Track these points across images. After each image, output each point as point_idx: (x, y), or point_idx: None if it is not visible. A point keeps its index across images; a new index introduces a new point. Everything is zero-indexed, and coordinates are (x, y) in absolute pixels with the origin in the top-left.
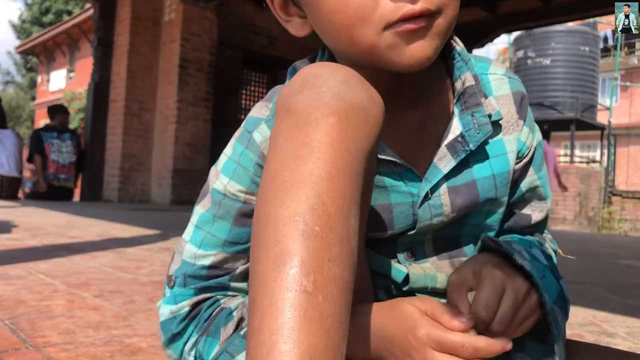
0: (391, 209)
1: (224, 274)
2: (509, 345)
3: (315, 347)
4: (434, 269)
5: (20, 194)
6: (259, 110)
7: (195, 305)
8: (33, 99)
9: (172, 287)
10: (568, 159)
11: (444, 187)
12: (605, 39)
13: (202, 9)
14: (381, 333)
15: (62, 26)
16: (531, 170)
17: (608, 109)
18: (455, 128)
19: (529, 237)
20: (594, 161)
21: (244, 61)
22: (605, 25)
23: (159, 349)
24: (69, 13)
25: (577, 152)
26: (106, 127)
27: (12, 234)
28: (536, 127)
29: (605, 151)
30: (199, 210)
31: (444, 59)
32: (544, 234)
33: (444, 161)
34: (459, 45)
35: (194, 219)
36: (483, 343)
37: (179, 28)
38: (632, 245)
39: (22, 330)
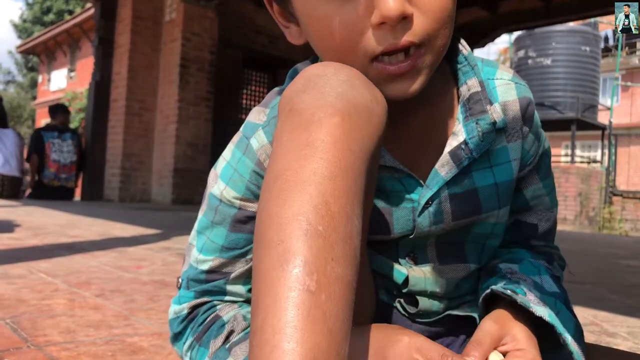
0: (391, 213)
1: (220, 277)
2: None
3: (318, 346)
4: (434, 273)
5: (29, 187)
6: (257, 116)
7: (193, 308)
8: (34, 98)
9: (179, 288)
10: (569, 159)
11: (445, 195)
12: (606, 39)
13: (203, 9)
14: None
15: (63, 25)
16: (536, 178)
17: (609, 109)
18: (459, 134)
19: (537, 261)
20: (594, 161)
21: (244, 60)
22: (606, 25)
23: (160, 348)
24: (70, 12)
25: (577, 152)
26: (107, 127)
27: (13, 234)
28: (543, 134)
29: (606, 151)
30: (199, 215)
31: (449, 62)
32: (553, 250)
33: (445, 168)
34: (465, 48)
35: (196, 224)
36: None
37: (179, 27)
38: (632, 245)
39: (24, 329)
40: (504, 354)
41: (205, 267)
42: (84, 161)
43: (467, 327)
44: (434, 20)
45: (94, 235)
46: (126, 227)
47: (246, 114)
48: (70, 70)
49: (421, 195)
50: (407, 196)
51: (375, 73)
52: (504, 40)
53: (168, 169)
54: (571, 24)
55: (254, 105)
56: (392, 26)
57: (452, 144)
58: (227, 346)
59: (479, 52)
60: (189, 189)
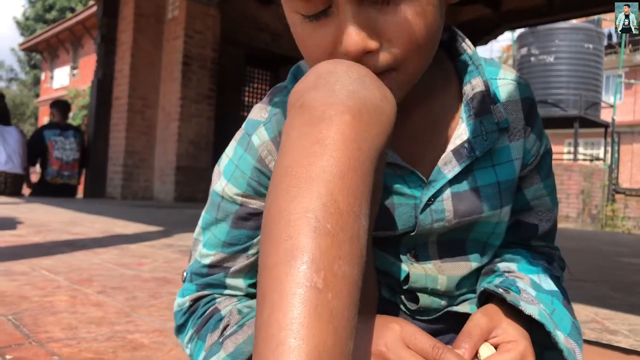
0: (394, 209)
1: (221, 271)
2: None
3: (324, 343)
4: (435, 271)
5: (25, 189)
6: (258, 113)
7: (195, 301)
8: (37, 96)
9: (184, 282)
10: (572, 156)
11: (447, 193)
12: (610, 36)
13: (205, 6)
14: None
15: (66, 23)
16: (537, 178)
17: (612, 106)
18: (462, 133)
19: (537, 261)
20: (597, 159)
21: (247, 58)
22: (610, 23)
23: (161, 345)
24: (72, 10)
25: (580, 149)
26: (109, 124)
27: (16, 230)
28: (545, 134)
29: (609, 149)
30: (203, 212)
31: (453, 61)
32: (553, 251)
33: (448, 166)
34: (470, 48)
35: (200, 220)
36: None
37: (182, 25)
38: (635, 243)
39: (25, 326)
40: (495, 347)
41: (207, 261)
42: (87, 159)
43: None
44: (402, 49)
45: (96, 233)
46: (128, 224)
47: (248, 112)
48: (73, 68)
49: (423, 192)
50: (410, 193)
51: None
52: (507, 38)
53: (170, 167)
54: (574, 21)
55: (256, 103)
56: (356, 58)
57: (455, 142)
58: (220, 340)
59: (481, 50)
60: (191, 187)
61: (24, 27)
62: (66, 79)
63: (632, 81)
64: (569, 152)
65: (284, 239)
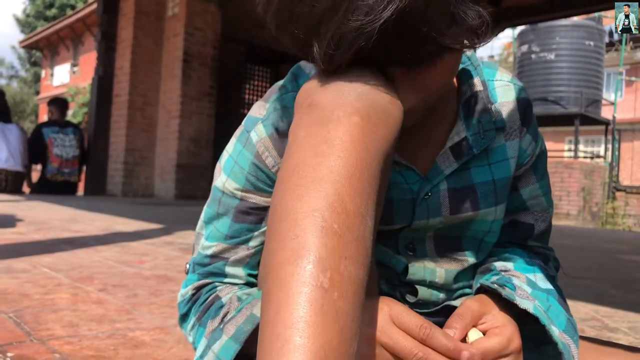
0: (392, 204)
1: (221, 261)
2: None
3: (329, 343)
4: (433, 264)
5: (25, 188)
6: (257, 110)
7: (197, 290)
8: (37, 93)
9: (187, 273)
10: (572, 154)
11: (444, 189)
12: (610, 34)
13: (206, 3)
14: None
15: (66, 20)
16: (533, 178)
17: (613, 103)
18: (460, 131)
19: (533, 261)
20: (598, 156)
21: (247, 55)
22: (610, 20)
23: (161, 342)
24: (73, 7)
25: (581, 147)
26: (110, 122)
27: (16, 228)
28: (540, 135)
29: (610, 146)
30: (205, 207)
31: None
32: (548, 251)
33: (446, 163)
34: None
35: (202, 215)
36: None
37: (182, 22)
38: (635, 241)
39: (27, 323)
40: (483, 333)
41: (209, 252)
42: (86, 156)
43: None
44: (437, 94)
45: (96, 230)
46: (129, 222)
47: (249, 109)
48: (73, 65)
49: (420, 187)
50: (407, 188)
51: None
52: (508, 35)
53: (171, 164)
54: (575, 19)
55: (257, 100)
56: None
57: (453, 139)
58: (221, 326)
59: (482, 47)
60: (192, 184)
61: (25, 24)
62: (66, 76)
63: (633, 78)
64: (569, 150)
65: (291, 238)
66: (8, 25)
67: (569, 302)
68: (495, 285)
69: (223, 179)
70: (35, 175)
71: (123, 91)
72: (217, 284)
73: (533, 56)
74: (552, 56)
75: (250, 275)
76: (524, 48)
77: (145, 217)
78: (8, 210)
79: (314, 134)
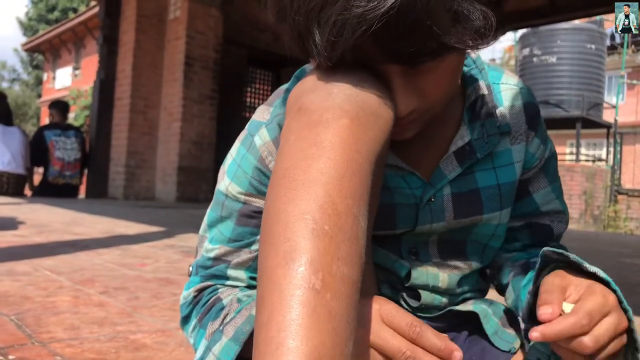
0: (394, 208)
1: (224, 263)
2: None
3: (322, 344)
4: (436, 269)
5: (26, 191)
6: (261, 114)
7: (199, 292)
8: (39, 96)
9: (190, 276)
10: (574, 157)
11: (447, 193)
12: (612, 37)
13: (207, 7)
14: None
15: (68, 24)
16: (545, 181)
17: (614, 107)
18: (464, 135)
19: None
20: (599, 159)
21: (249, 58)
22: (612, 23)
23: (163, 345)
24: (75, 10)
25: (583, 150)
26: (111, 125)
27: (18, 231)
28: (549, 139)
29: (612, 149)
30: (208, 210)
31: None
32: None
33: (449, 167)
34: (474, 52)
35: (205, 218)
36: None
37: (184, 25)
38: (637, 244)
39: (28, 326)
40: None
41: (212, 254)
42: (88, 159)
43: (470, 324)
44: (439, 100)
45: (98, 233)
46: (130, 224)
47: (250, 112)
48: (75, 68)
49: (424, 192)
50: (410, 193)
51: None
52: (509, 38)
53: (172, 167)
54: (576, 22)
55: (259, 103)
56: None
57: (457, 143)
58: (221, 328)
59: (483, 50)
60: (193, 187)
61: (27, 27)
62: (68, 80)
63: (635, 82)
64: (571, 153)
65: (282, 241)
66: (11, 28)
67: None
68: (560, 250)
69: (226, 183)
70: (37, 178)
71: (125, 94)
72: (218, 286)
73: (535, 59)
74: (553, 59)
75: (252, 278)
76: (526, 51)
77: (146, 220)
78: (10, 213)
79: (303, 137)
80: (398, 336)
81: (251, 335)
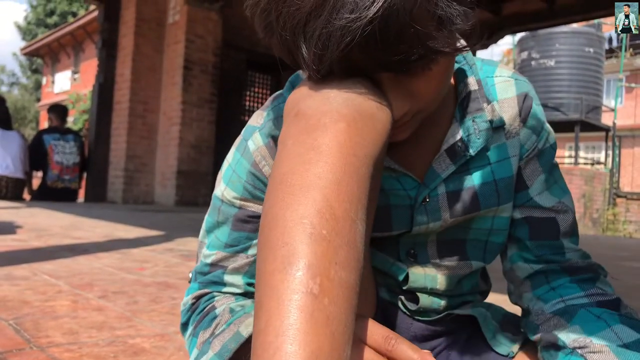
0: (390, 211)
1: (221, 269)
2: None
3: (320, 349)
4: (434, 270)
5: (25, 195)
6: (256, 119)
7: (196, 299)
8: (38, 100)
9: (190, 282)
10: (572, 160)
11: (442, 192)
12: (610, 40)
13: (207, 11)
14: None
15: (67, 28)
16: (539, 170)
17: (613, 110)
18: (456, 133)
19: (597, 307)
20: (598, 162)
21: (248, 62)
22: (610, 27)
23: (162, 349)
24: (74, 15)
25: (581, 153)
26: (110, 129)
27: (16, 235)
28: (546, 129)
29: (610, 152)
30: (206, 216)
31: None
32: (589, 260)
33: (442, 166)
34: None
35: (204, 224)
36: None
37: (183, 29)
38: (636, 247)
39: (26, 331)
40: None
41: (209, 260)
42: (87, 162)
43: (468, 327)
44: (431, 101)
45: (97, 237)
46: (129, 228)
47: (250, 116)
48: (74, 72)
49: (418, 193)
50: (405, 194)
51: None
52: (508, 42)
53: (171, 171)
54: (574, 26)
55: (258, 107)
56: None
57: (448, 141)
58: (210, 339)
59: (482, 54)
60: (193, 191)
61: (26, 31)
62: (67, 83)
63: (633, 85)
64: (570, 156)
65: (280, 246)
66: (9, 33)
67: None
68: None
69: (222, 188)
70: (35, 182)
71: (124, 98)
72: (215, 293)
73: (533, 63)
74: (552, 63)
75: (248, 284)
76: (524, 55)
77: (145, 224)
78: (9, 217)
79: (301, 142)
80: (371, 350)
81: (235, 352)
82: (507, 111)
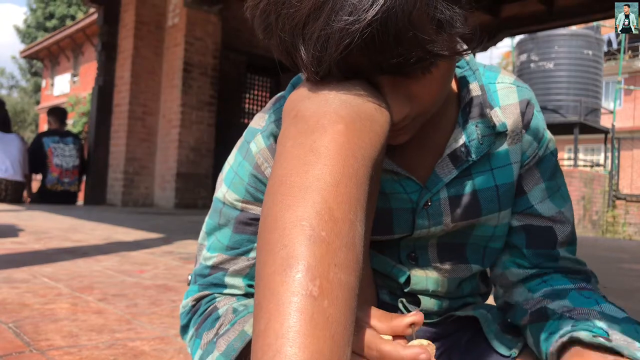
0: (391, 214)
1: (221, 271)
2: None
3: (320, 351)
4: (436, 273)
5: (25, 198)
6: (257, 121)
7: (197, 301)
8: (37, 103)
9: (189, 285)
10: (572, 162)
11: (444, 197)
12: (609, 43)
13: (206, 13)
14: None
15: (67, 31)
16: (539, 178)
17: (612, 112)
18: (459, 137)
19: (585, 290)
20: (597, 165)
21: (247, 65)
22: (609, 29)
23: (161, 352)
24: (73, 18)
25: (580, 155)
26: (110, 131)
27: (16, 238)
28: (547, 136)
29: (609, 155)
30: (206, 218)
31: None
32: (582, 266)
33: (445, 170)
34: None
35: (204, 226)
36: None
37: (182, 32)
38: (636, 249)
39: (26, 334)
40: None
41: (210, 262)
42: (86, 165)
43: (470, 329)
44: (431, 104)
45: (97, 240)
46: (129, 231)
47: (249, 119)
48: (74, 75)
49: (420, 196)
50: (407, 197)
51: None
52: (507, 44)
53: (171, 174)
54: (573, 28)
55: (257, 110)
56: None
57: (451, 146)
58: (214, 339)
59: (481, 56)
60: (192, 193)
61: (25, 34)
62: (67, 86)
63: (632, 87)
64: (569, 158)
65: (280, 248)
66: (9, 36)
67: None
68: (601, 339)
69: (224, 190)
70: (35, 185)
71: (123, 101)
72: (216, 295)
73: (532, 65)
74: (550, 65)
75: (249, 285)
76: (523, 57)
77: (145, 227)
78: (8, 220)
79: (300, 144)
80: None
81: (242, 351)
82: (510, 117)
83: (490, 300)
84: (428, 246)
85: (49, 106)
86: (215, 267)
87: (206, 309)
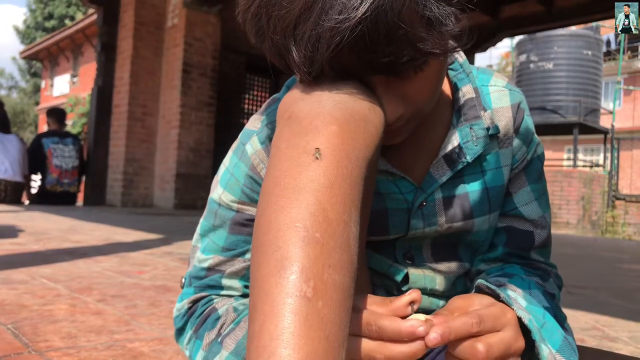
0: (386, 214)
1: (218, 273)
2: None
3: (315, 352)
4: (432, 272)
5: (24, 198)
6: (253, 123)
7: (193, 303)
8: (37, 103)
9: (182, 287)
10: (571, 163)
11: (438, 198)
12: (608, 43)
13: (205, 14)
14: None
15: (66, 31)
16: (525, 182)
17: (611, 112)
18: (453, 139)
19: (529, 278)
20: (597, 165)
21: (247, 66)
22: (608, 29)
23: (160, 353)
24: (72, 18)
25: (580, 156)
26: (109, 132)
27: (15, 239)
28: (535, 140)
29: (609, 155)
30: (201, 219)
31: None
32: (550, 268)
33: (440, 171)
34: (461, 56)
35: (198, 227)
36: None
37: (182, 33)
38: (635, 250)
39: (25, 335)
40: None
41: (205, 264)
42: (86, 166)
43: None
44: (423, 104)
45: (96, 241)
46: (128, 232)
47: (248, 119)
48: (73, 76)
49: (415, 197)
50: (402, 198)
51: None
52: (506, 45)
53: (170, 174)
54: (573, 28)
55: (256, 110)
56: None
57: (446, 148)
58: (219, 339)
59: (480, 57)
60: (191, 194)
61: (24, 35)
62: (66, 87)
63: (631, 87)
64: (568, 159)
65: (274, 250)
66: (8, 37)
67: (569, 312)
68: (493, 286)
69: (219, 191)
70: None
71: (123, 101)
72: (213, 296)
73: (531, 65)
74: (550, 65)
75: (246, 287)
76: (522, 57)
77: (144, 228)
78: (7, 221)
79: (294, 145)
80: (361, 339)
81: None
82: (502, 120)
83: None
84: (423, 246)
85: (49, 107)
86: (211, 269)
87: (204, 311)
